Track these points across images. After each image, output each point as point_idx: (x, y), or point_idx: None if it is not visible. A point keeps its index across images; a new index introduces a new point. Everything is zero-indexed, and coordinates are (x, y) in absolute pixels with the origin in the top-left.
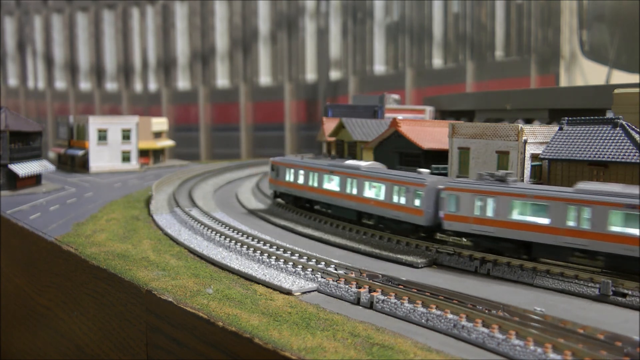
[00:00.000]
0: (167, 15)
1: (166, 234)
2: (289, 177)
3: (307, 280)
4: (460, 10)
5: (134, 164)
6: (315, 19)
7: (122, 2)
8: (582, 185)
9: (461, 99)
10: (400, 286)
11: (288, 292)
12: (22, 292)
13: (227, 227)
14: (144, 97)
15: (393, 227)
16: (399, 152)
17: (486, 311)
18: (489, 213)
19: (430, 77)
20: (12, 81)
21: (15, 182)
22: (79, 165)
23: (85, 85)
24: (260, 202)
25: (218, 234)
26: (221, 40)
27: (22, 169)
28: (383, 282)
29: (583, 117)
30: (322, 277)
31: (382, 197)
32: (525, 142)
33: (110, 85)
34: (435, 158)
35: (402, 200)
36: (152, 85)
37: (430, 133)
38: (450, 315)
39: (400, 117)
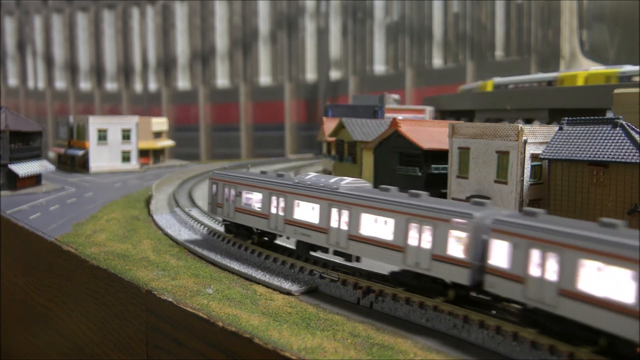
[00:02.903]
0: (167, 15)
1: (166, 234)
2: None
3: (307, 280)
4: (460, 10)
5: (134, 164)
6: (315, 19)
7: (122, 2)
8: None
9: (461, 99)
10: None
11: (288, 292)
12: (22, 292)
13: None
14: (144, 97)
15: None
16: (399, 152)
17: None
18: None
19: (430, 77)
20: (12, 81)
21: (15, 182)
22: (79, 165)
23: (85, 85)
24: None
25: (218, 234)
26: (221, 40)
27: (22, 169)
28: (383, 282)
29: (583, 117)
30: (322, 277)
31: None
32: (525, 142)
33: (110, 85)
34: (435, 158)
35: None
36: (152, 85)
37: (430, 133)
38: (450, 315)
39: (400, 117)
